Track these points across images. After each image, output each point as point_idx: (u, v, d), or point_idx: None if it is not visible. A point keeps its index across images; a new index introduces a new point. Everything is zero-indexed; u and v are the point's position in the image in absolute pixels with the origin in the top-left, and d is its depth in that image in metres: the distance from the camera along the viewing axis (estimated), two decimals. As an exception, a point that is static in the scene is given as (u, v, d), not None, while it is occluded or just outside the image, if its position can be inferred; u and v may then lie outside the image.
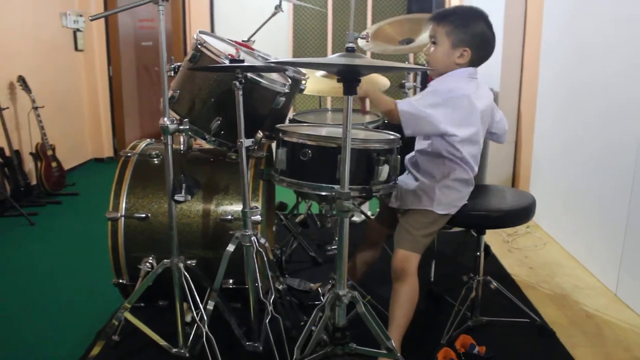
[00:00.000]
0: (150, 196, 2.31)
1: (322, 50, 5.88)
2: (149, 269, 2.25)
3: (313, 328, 1.76)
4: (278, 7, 2.73)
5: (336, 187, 1.93)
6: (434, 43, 2.08)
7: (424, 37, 3.05)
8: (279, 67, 2.17)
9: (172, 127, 1.88)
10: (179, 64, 2.20)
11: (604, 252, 2.76)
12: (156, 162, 2.42)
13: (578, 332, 2.35)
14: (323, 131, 2.27)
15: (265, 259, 1.99)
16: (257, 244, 1.95)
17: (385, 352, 1.76)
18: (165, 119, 1.88)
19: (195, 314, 1.94)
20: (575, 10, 3.27)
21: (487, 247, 2.33)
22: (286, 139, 2.02)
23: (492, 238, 3.31)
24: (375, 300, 2.33)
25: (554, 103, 3.52)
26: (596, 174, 2.91)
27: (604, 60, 2.88)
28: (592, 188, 2.95)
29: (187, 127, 1.94)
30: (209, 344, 1.87)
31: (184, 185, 1.93)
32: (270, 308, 1.92)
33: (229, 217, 2.25)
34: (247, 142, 1.91)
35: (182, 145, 2.45)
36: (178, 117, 2.19)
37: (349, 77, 1.59)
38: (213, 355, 1.88)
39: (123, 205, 2.29)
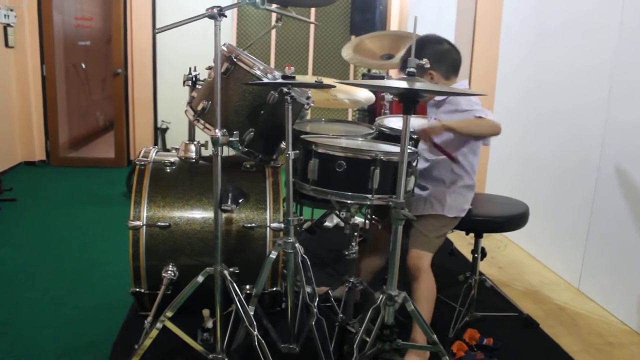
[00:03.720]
0: (170, 205, 2.33)
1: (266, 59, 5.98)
2: (173, 277, 2.29)
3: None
4: (279, 21, 2.82)
5: (369, 196, 2.12)
6: None
7: (403, 52, 3.27)
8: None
9: (223, 138, 1.94)
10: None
11: (566, 252, 3.13)
12: (168, 170, 2.44)
13: (556, 322, 2.67)
14: (342, 143, 2.40)
15: (308, 264, 2.09)
16: (301, 252, 2.05)
17: (429, 345, 1.95)
18: (217, 130, 1.93)
19: (245, 320, 1.99)
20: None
21: (483, 249, 2.59)
22: (320, 150, 2.13)
23: (458, 241, 3.59)
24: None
25: (511, 102, 3.86)
26: (557, 179, 3.28)
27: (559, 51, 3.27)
28: (551, 193, 3.32)
29: (237, 139, 2.00)
30: (261, 349, 1.94)
31: (230, 195, 2.00)
32: (315, 310, 2.04)
33: (252, 224, 2.34)
34: (292, 155, 2.01)
35: (194, 154, 2.54)
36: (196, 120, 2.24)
37: (410, 99, 1.76)
38: (265, 358, 1.95)
39: (144, 214, 2.29)
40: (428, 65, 2.13)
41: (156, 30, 1.77)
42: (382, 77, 4.55)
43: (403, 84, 1.74)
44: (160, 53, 5.82)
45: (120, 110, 5.77)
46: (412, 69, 1.78)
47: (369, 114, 4.53)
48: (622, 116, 2.75)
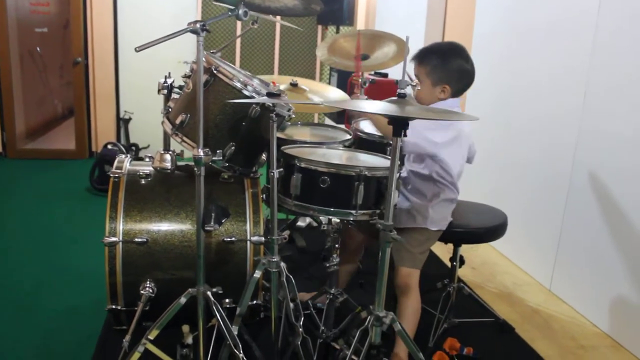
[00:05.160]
0: (147, 219, 2.26)
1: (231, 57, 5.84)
2: (151, 294, 2.22)
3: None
4: (254, 23, 2.73)
5: (353, 212, 2.09)
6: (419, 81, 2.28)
7: (379, 53, 3.23)
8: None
9: (206, 158, 1.87)
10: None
11: (538, 252, 3.20)
12: (143, 182, 2.36)
13: (531, 326, 2.73)
14: (325, 155, 2.36)
15: (293, 283, 2.07)
16: (285, 271, 2.02)
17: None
18: (200, 150, 1.86)
19: (230, 341, 1.96)
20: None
21: (461, 257, 2.62)
22: (303, 165, 2.09)
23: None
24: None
25: (486, 107, 3.88)
26: (530, 178, 3.33)
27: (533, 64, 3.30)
28: (524, 196, 3.37)
29: (220, 158, 1.93)
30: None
31: (212, 214, 1.94)
32: (301, 330, 2.02)
33: (232, 238, 2.28)
34: (277, 174, 1.96)
35: (169, 164, 2.45)
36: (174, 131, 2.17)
37: (400, 122, 1.73)
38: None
39: (120, 229, 2.21)
40: (419, 87, 2.10)
41: (136, 49, 1.68)
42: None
43: (392, 109, 1.71)
44: (123, 39, 5.60)
45: (81, 100, 5.56)
46: (402, 91, 1.75)
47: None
48: (595, 125, 2.79)
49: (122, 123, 5.72)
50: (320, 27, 5.82)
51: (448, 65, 2.23)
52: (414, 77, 2.08)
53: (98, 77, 5.58)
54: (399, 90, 1.75)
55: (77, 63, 5.45)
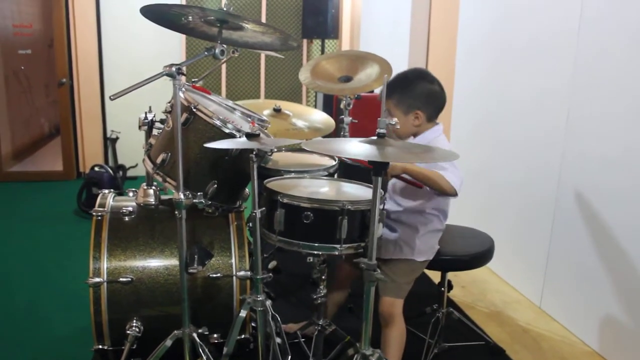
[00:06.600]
0: (132, 258, 2.24)
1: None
2: (138, 334, 2.21)
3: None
4: (235, 52, 2.72)
5: (337, 246, 2.08)
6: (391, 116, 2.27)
7: (361, 75, 3.23)
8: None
9: (186, 201, 1.86)
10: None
11: (528, 270, 3.20)
12: (127, 220, 2.35)
13: (520, 347, 2.72)
14: (303, 184, 2.36)
15: (278, 320, 2.06)
16: (271, 309, 2.01)
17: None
18: (180, 193, 1.85)
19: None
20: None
21: (449, 282, 2.61)
22: (286, 201, 2.08)
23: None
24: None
25: (466, 127, 3.90)
26: (516, 198, 3.33)
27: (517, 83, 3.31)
28: (510, 208, 3.37)
29: (202, 201, 1.92)
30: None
31: (196, 257, 1.93)
32: (288, 366, 2.01)
33: (218, 274, 2.26)
34: (259, 214, 1.95)
35: (153, 199, 2.43)
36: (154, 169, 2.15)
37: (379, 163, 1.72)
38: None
39: (104, 268, 2.19)
40: (398, 127, 2.08)
41: (111, 97, 1.67)
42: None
43: (372, 152, 1.69)
44: (107, 57, 5.59)
45: (67, 121, 5.53)
46: (382, 130, 1.74)
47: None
48: (578, 145, 2.80)
49: (109, 143, 5.69)
50: (305, 41, 5.82)
51: (413, 91, 2.22)
52: (395, 120, 2.06)
53: (83, 96, 5.56)
54: (378, 130, 1.74)
55: (62, 84, 5.42)
